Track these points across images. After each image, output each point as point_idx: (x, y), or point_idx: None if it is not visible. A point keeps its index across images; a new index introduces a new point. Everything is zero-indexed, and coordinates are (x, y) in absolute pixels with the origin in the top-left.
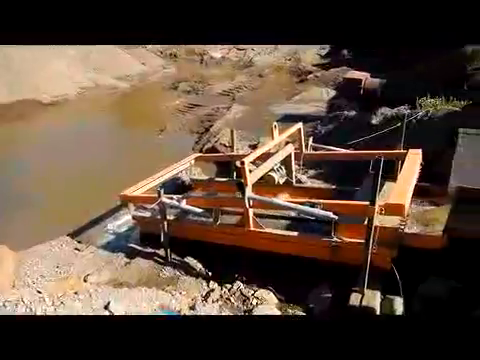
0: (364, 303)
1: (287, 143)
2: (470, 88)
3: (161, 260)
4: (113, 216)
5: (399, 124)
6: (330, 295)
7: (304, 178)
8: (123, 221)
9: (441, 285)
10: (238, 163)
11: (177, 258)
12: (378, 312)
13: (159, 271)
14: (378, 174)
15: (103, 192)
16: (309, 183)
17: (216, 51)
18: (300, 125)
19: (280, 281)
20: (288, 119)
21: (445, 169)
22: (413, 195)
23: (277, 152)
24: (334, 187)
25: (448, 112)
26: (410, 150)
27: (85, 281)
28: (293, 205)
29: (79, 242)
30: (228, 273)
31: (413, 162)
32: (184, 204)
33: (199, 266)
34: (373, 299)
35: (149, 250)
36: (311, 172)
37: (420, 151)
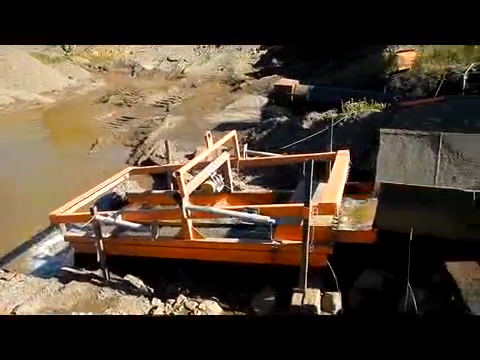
0: (305, 302)
1: (223, 151)
2: (388, 91)
3: (99, 281)
4: (43, 239)
5: (327, 127)
6: (273, 298)
7: (242, 184)
8: (55, 243)
9: (375, 277)
10: (174, 174)
11: (116, 277)
12: (319, 309)
13: (97, 293)
14: (309, 176)
15: (31, 214)
16: (247, 189)
17: (147, 63)
18: (234, 133)
19: (224, 289)
20: (223, 127)
21: (371, 167)
22: (344, 193)
23: (213, 161)
24: (271, 191)
25: (370, 114)
26: (338, 151)
27: (14, 314)
28: (231, 212)
29: (6, 271)
30: (171, 287)
31: (342, 162)
32: (120, 220)
33: (140, 283)
34: (314, 297)
35: (85, 272)
36: (249, 178)
37: (348, 152)
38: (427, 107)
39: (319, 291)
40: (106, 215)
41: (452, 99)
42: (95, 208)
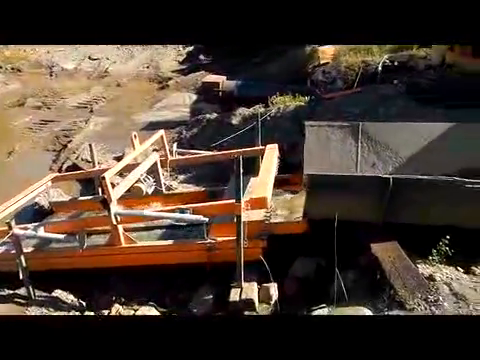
0: (243, 296)
1: (154, 151)
2: (312, 84)
3: (23, 300)
4: None
5: (255, 123)
6: (211, 296)
7: (175, 184)
8: None
9: (308, 265)
10: (100, 179)
11: (43, 294)
12: (256, 302)
13: (22, 314)
14: (239, 173)
15: None
16: (180, 188)
17: (67, 62)
18: (162, 132)
19: (162, 293)
20: (152, 127)
21: (300, 159)
22: (275, 186)
23: (142, 162)
24: (204, 189)
25: (296, 107)
26: (267, 146)
27: None
28: (163, 214)
29: None
30: (105, 298)
31: (271, 156)
32: (42, 232)
33: (70, 298)
34: (251, 291)
35: (7, 292)
36: (182, 177)
37: (276, 145)
38: (347, 98)
39: (256, 284)
40: (26, 228)
41: (368, 90)
42: (12, 222)
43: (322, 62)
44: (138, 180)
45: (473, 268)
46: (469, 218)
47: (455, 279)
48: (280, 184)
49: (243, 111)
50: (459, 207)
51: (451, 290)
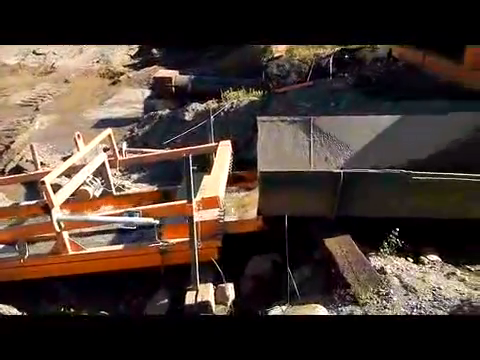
0: (199, 299)
1: (105, 150)
2: (266, 77)
3: None
4: None
5: (210, 118)
6: (166, 300)
7: (128, 183)
8: None
9: (264, 262)
10: (39, 183)
11: None
12: (213, 304)
13: None
14: (189, 172)
15: None
16: (134, 188)
17: (9, 57)
18: (109, 131)
19: (115, 300)
20: (104, 124)
21: (254, 155)
22: (229, 184)
23: (87, 163)
24: (157, 189)
25: (249, 102)
26: (220, 142)
27: None
28: (111, 218)
29: None
30: (53, 309)
31: (224, 153)
32: None
33: (13, 312)
34: (206, 292)
35: None
36: (135, 176)
37: (229, 142)
38: (299, 92)
39: (212, 285)
40: None
41: (319, 83)
42: None
43: (276, 55)
44: (84, 183)
45: (422, 258)
46: (416, 209)
47: (405, 270)
48: (234, 181)
49: (196, 106)
50: (407, 199)
51: (401, 282)
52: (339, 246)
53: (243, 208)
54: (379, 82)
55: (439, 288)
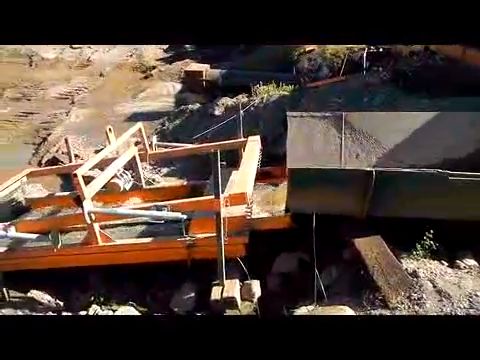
0: (225, 295)
1: (137, 144)
2: (297, 72)
3: None
4: None
5: (240, 113)
6: (193, 294)
7: (158, 177)
8: None
9: (291, 260)
10: (72, 176)
11: (18, 295)
12: (239, 300)
13: None
14: (217, 168)
15: None
16: (163, 182)
17: (47, 51)
18: (140, 125)
19: (142, 292)
20: (136, 118)
21: (284, 151)
22: (257, 180)
23: (118, 157)
24: (186, 183)
25: (279, 97)
26: (249, 137)
27: None
28: (139, 212)
29: None
30: (84, 297)
31: (252, 149)
32: (13, 232)
33: (47, 298)
34: (232, 289)
35: None
36: (165, 170)
37: (258, 137)
38: (331, 87)
39: (238, 281)
40: None
41: (353, 78)
42: None
43: (307, 49)
44: (115, 176)
45: (457, 262)
46: (453, 211)
47: (439, 275)
48: (263, 177)
49: (226, 101)
50: (442, 200)
51: (434, 287)
52: (369, 247)
53: (271, 204)
54: (416, 77)
55: (476, 295)
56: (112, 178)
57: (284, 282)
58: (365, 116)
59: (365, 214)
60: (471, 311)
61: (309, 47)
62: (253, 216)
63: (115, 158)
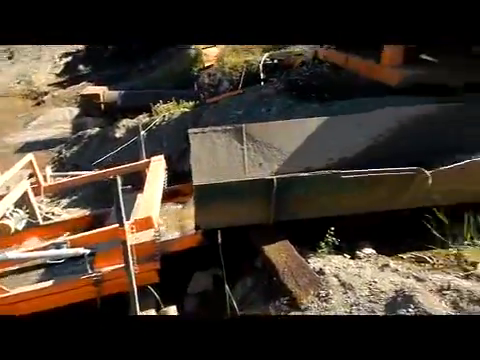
0: None
1: (30, 177)
2: (199, 88)
3: None
4: None
5: (140, 134)
6: None
7: (58, 210)
8: None
9: (205, 278)
10: None
11: None
12: None
13: None
14: (118, 194)
15: None
16: (65, 215)
17: None
18: (31, 156)
19: None
20: (29, 148)
21: (190, 167)
22: (166, 200)
23: (5, 194)
24: (88, 214)
25: (181, 114)
26: (152, 158)
27: None
28: (34, 254)
29: None
30: None
31: (157, 169)
32: None
33: None
34: None
35: None
36: (65, 201)
37: (162, 157)
38: (231, 101)
39: (153, 311)
40: None
41: (250, 90)
42: None
43: (206, 65)
44: (3, 216)
45: (357, 252)
46: (349, 206)
47: (342, 268)
48: (171, 196)
49: (127, 123)
50: (340, 197)
51: (339, 281)
52: (278, 252)
53: (180, 224)
54: (306, 85)
55: (374, 282)
56: (0, 219)
57: (201, 302)
58: (264, 126)
59: (272, 220)
60: (371, 298)
61: (208, 62)
62: (163, 238)
63: (3, 195)
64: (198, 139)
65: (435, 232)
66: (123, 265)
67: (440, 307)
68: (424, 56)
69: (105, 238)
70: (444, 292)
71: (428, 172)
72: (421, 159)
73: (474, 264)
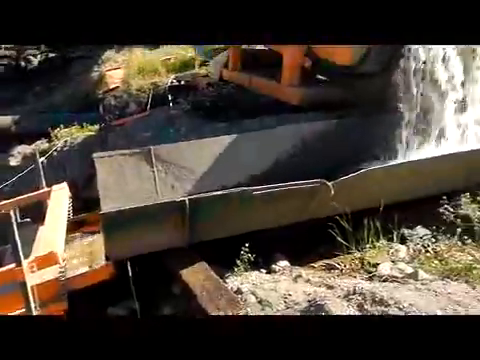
0: None
1: None
2: (104, 110)
3: None
4: None
5: (38, 161)
6: None
7: None
8: None
9: (120, 312)
10: None
11: None
12: None
13: None
14: (13, 229)
15: None
16: None
17: None
18: None
19: None
20: None
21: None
22: (71, 231)
23: None
24: None
25: (85, 138)
26: (54, 186)
27: None
28: None
29: None
30: None
31: (59, 198)
32: None
33: None
34: None
35: None
36: None
37: (65, 184)
38: (138, 123)
39: None
40: None
41: (158, 112)
42: None
43: (111, 87)
44: None
45: (273, 266)
46: (263, 221)
47: (259, 284)
48: (77, 226)
49: (23, 149)
50: (252, 213)
51: (256, 297)
52: (195, 275)
53: (89, 257)
54: (213, 105)
55: (289, 294)
56: None
57: None
58: (173, 147)
59: (186, 243)
60: (287, 311)
61: (113, 84)
62: (71, 274)
63: None
64: (105, 164)
65: (340, 239)
66: (23, 310)
67: (348, 312)
68: (319, 76)
69: (2, 280)
70: (351, 297)
71: (330, 183)
72: (325, 171)
73: (375, 265)
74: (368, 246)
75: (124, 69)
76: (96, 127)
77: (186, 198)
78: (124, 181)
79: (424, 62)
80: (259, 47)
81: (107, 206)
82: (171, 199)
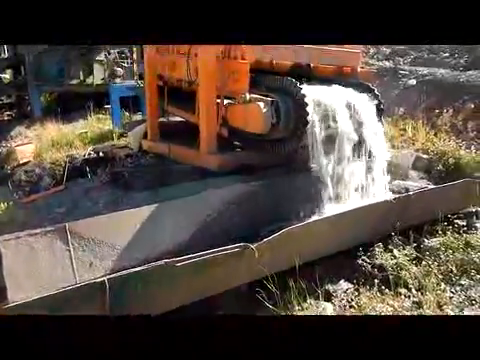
0: None
1: None
2: (15, 186)
3: None
4: None
5: None
6: None
7: None
8: None
9: None
10: None
11: None
12: None
13: None
14: None
15: None
16: None
17: None
18: None
19: None
20: None
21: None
22: None
23: None
24: None
25: None
26: None
27: None
28: None
29: None
30: None
31: None
32: None
33: None
34: None
35: None
36: None
37: None
38: (50, 198)
39: None
40: None
41: (74, 185)
42: None
43: (22, 162)
44: None
45: None
46: (190, 293)
47: None
48: None
49: None
50: (178, 286)
51: None
52: None
53: None
54: (132, 176)
55: None
56: None
57: None
58: (91, 222)
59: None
60: None
61: (24, 159)
62: None
63: None
64: (12, 247)
65: (267, 303)
66: None
67: None
68: (235, 142)
69: None
70: None
71: (253, 246)
72: (249, 232)
73: None
74: (297, 308)
75: (36, 143)
76: (4, 205)
77: (105, 278)
78: (36, 264)
79: (329, 126)
80: (177, 119)
81: (15, 296)
82: (89, 280)
